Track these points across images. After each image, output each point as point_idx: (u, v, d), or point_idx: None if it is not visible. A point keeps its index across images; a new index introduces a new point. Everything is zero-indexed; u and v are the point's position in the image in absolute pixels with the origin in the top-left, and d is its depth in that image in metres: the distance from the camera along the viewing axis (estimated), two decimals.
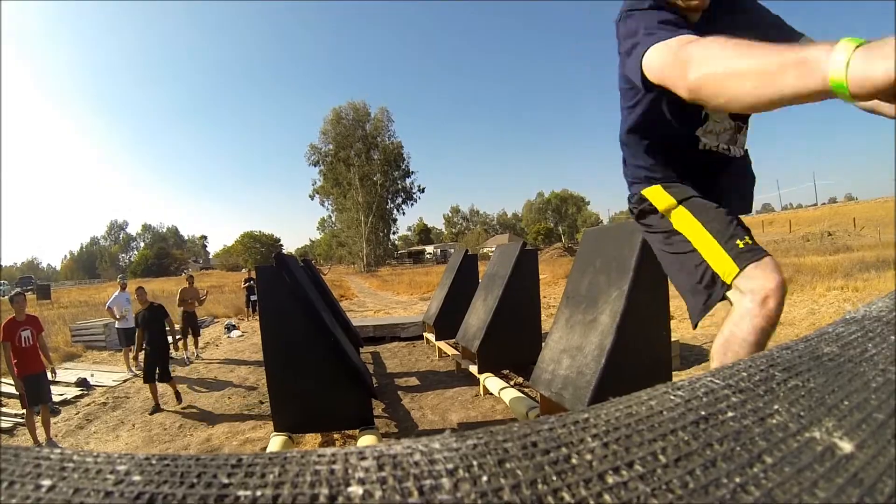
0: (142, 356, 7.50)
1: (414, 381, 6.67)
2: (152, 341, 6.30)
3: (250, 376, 7.57)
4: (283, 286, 4.00)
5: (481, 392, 5.62)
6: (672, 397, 0.32)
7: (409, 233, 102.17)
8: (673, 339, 5.02)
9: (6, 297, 6.74)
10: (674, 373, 4.37)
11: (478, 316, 6.13)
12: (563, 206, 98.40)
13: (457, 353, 6.93)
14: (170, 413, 6.04)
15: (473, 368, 5.83)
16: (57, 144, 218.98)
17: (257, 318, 7.29)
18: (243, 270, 39.63)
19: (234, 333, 11.96)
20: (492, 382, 5.19)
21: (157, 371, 6.17)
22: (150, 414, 5.97)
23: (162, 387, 6.41)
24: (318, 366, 4.05)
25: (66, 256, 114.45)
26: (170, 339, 6.58)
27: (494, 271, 6.30)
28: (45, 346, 5.42)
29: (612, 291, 3.33)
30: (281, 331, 4.04)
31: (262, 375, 5.96)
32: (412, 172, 62.29)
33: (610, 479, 0.23)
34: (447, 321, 7.63)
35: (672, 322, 5.36)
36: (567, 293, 3.95)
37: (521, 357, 5.78)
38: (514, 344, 5.74)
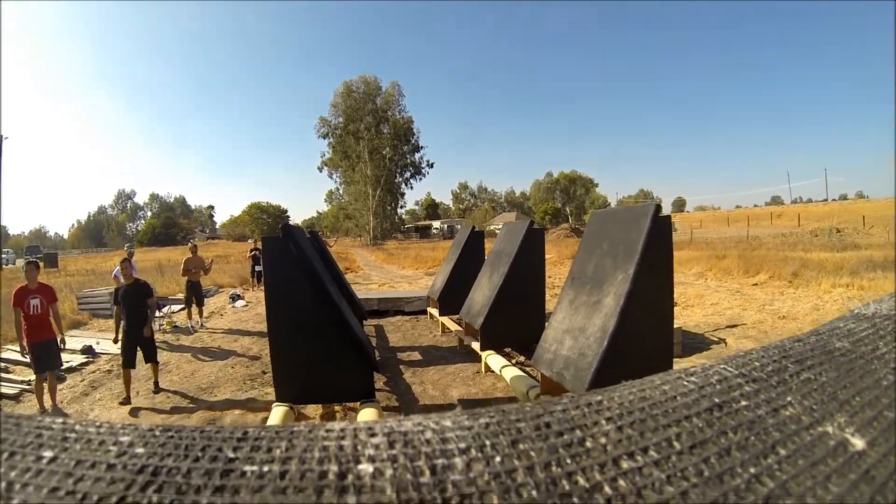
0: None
1: (416, 355, 6.73)
2: (130, 322, 5.72)
3: (253, 346, 7.66)
4: (289, 257, 3.99)
5: (483, 369, 5.66)
6: (686, 383, 0.32)
7: (416, 207, 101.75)
8: (675, 326, 5.03)
9: (10, 265, 6.78)
10: (674, 360, 4.39)
11: (482, 293, 6.14)
12: (571, 186, 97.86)
13: (460, 329, 6.97)
14: (173, 380, 6.13)
15: (476, 345, 5.86)
16: (66, 113, 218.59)
17: (262, 288, 7.28)
18: (249, 241, 39.69)
19: (239, 303, 12.05)
20: (493, 360, 5.23)
21: (142, 352, 5.73)
22: (121, 404, 5.39)
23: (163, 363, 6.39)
24: (322, 337, 4.06)
25: (73, 225, 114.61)
26: (154, 320, 6.05)
27: (501, 249, 6.30)
28: (57, 315, 5.49)
29: (617, 274, 3.32)
30: (285, 302, 4.05)
31: (265, 346, 5.98)
32: (422, 147, 61.82)
33: (625, 464, 0.22)
34: (452, 297, 7.66)
35: (675, 309, 5.36)
36: (572, 274, 3.95)
37: (523, 336, 5.80)
38: (517, 322, 5.76)
